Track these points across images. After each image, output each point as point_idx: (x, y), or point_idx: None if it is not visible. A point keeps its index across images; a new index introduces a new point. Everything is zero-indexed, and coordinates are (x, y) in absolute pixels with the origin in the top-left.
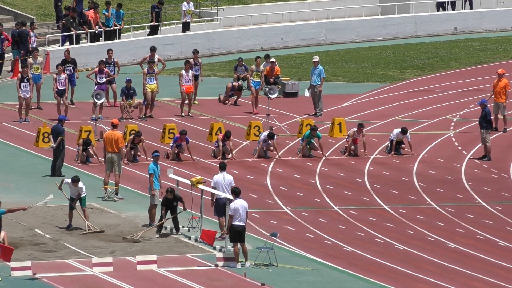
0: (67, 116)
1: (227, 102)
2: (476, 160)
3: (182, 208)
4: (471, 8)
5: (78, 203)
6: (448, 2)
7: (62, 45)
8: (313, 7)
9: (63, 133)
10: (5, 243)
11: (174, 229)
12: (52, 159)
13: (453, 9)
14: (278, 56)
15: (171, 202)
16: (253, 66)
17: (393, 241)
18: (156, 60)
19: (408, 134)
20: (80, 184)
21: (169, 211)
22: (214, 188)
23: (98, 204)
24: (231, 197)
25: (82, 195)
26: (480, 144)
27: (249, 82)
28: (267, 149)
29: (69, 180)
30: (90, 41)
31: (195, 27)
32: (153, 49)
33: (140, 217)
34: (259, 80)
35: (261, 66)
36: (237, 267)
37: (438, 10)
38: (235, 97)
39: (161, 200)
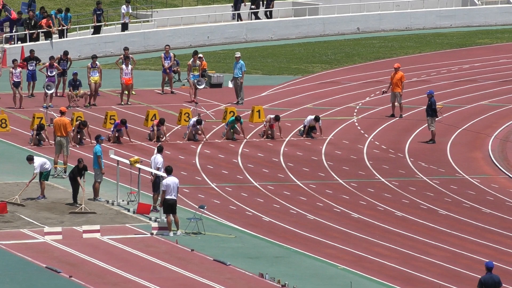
0: (22, 105)
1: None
2: (419, 143)
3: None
4: (270, 17)
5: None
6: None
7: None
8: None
9: None
10: None
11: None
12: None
13: (256, 18)
14: (205, 52)
15: (81, 171)
16: (190, 62)
17: (305, 212)
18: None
19: (320, 121)
20: (36, 162)
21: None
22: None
23: (49, 180)
24: (164, 174)
25: (35, 171)
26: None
27: (189, 76)
28: (195, 133)
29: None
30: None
31: (133, 27)
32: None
33: (86, 192)
34: (198, 74)
35: (197, 61)
36: (170, 235)
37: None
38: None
39: (71, 172)
